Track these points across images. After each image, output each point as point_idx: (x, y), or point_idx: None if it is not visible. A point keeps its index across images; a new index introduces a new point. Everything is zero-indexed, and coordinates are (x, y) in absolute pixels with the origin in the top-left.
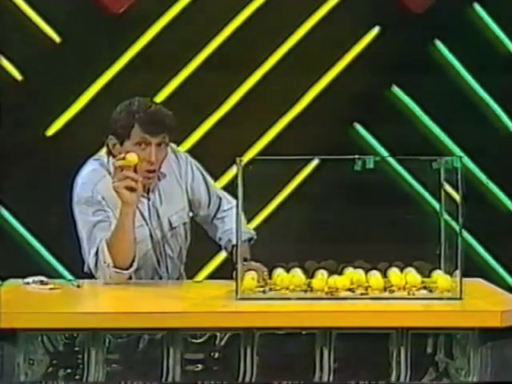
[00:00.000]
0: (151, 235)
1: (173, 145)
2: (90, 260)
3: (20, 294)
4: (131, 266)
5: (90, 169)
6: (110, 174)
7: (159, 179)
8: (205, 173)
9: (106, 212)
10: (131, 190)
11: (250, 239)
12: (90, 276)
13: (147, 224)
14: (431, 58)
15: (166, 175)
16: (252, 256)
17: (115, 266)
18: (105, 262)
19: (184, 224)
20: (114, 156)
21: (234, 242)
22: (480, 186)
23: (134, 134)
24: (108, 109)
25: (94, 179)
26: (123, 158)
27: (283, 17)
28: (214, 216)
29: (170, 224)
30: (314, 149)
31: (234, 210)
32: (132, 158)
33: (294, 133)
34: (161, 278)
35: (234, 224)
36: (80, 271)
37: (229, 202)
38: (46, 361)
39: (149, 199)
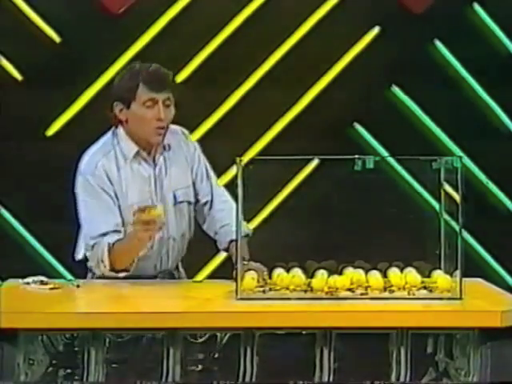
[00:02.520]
0: None
1: (185, 131)
2: (87, 250)
3: (20, 294)
4: (127, 269)
5: (96, 147)
6: (114, 149)
7: (165, 148)
8: (208, 166)
9: (108, 194)
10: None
11: (246, 235)
12: (84, 261)
13: (150, 197)
14: (431, 58)
15: (175, 149)
16: (252, 256)
17: (112, 268)
18: (102, 262)
19: (189, 204)
20: (120, 122)
21: (232, 237)
22: (480, 185)
23: (140, 94)
24: (108, 109)
25: (98, 155)
26: (144, 210)
27: (283, 17)
28: (211, 207)
29: (175, 198)
30: (314, 149)
31: (232, 204)
32: (156, 211)
33: (294, 133)
34: (161, 261)
35: (231, 220)
36: (80, 271)
37: (226, 197)
38: (45, 361)
39: (155, 166)
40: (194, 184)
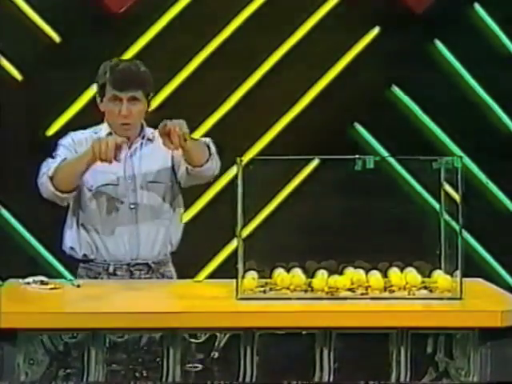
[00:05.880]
0: (119, 183)
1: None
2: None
3: (20, 294)
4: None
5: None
6: (95, 131)
7: (143, 138)
8: None
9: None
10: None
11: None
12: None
13: (118, 171)
14: (431, 58)
15: (158, 143)
16: (252, 255)
17: (54, 187)
18: (49, 177)
19: (165, 185)
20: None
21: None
22: (480, 185)
23: (107, 92)
24: None
25: (76, 131)
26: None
27: (283, 16)
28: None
29: (145, 177)
30: (314, 149)
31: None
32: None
33: (294, 133)
34: (130, 244)
35: None
36: (80, 271)
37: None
38: (46, 361)
39: (130, 148)
40: (173, 167)
